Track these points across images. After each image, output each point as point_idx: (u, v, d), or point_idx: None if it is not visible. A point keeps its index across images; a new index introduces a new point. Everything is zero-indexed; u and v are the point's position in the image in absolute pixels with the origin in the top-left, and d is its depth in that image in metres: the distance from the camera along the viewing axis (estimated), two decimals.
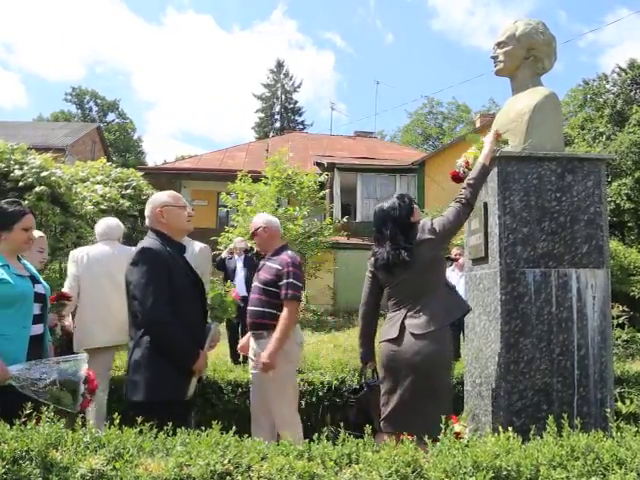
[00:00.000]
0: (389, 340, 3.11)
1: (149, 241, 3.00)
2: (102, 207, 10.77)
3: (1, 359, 2.74)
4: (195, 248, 4.31)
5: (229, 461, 1.95)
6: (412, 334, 3.02)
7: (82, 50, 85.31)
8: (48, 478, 1.85)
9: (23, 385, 2.67)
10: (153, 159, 65.25)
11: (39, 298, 3.04)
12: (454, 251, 7.99)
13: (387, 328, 3.19)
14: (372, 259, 3.29)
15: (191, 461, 1.92)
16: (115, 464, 1.93)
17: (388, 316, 3.25)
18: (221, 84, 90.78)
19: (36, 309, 3.02)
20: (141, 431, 2.20)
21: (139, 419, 2.19)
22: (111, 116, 51.33)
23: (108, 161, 13.64)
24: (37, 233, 3.60)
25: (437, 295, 3.10)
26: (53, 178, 9.19)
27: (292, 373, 3.80)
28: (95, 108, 50.97)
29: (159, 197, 3.14)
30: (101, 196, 11.01)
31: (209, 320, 3.22)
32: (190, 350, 2.93)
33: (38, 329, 3.02)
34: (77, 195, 10.21)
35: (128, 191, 12.00)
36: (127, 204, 11.49)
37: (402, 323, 3.08)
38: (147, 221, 3.12)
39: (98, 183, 11.50)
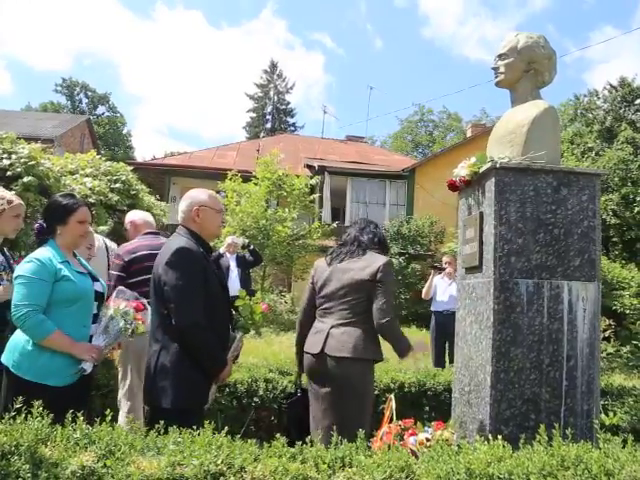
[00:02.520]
0: (312, 354, 3.28)
1: (183, 240, 2.88)
2: (90, 200, 10.65)
3: (88, 342, 2.84)
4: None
5: (222, 461, 1.94)
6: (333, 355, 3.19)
7: (69, 41, 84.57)
8: (37, 474, 1.83)
9: (111, 344, 2.91)
10: (141, 154, 64.75)
11: (97, 296, 2.98)
12: (444, 259, 8.01)
13: (314, 338, 3.32)
14: (315, 267, 3.48)
15: (184, 460, 1.91)
16: (106, 461, 1.92)
17: (316, 325, 3.38)
18: (209, 81, 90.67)
19: (94, 308, 2.96)
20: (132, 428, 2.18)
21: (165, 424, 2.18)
22: (101, 109, 50.97)
23: (97, 154, 13.51)
24: (16, 199, 3.43)
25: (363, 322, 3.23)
26: (42, 169, 9.06)
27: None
28: (85, 100, 50.54)
29: (198, 195, 3.03)
30: (90, 189, 10.89)
31: (235, 329, 3.16)
32: (220, 358, 2.87)
33: (93, 329, 2.94)
34: (66, 187, 10.08)
35: (117, 185, 11.86)
36: (116, 198, 11.37)
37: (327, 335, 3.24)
38: (180, 216, 3.02)
39: (87, 176, 11.35)
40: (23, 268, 2.76)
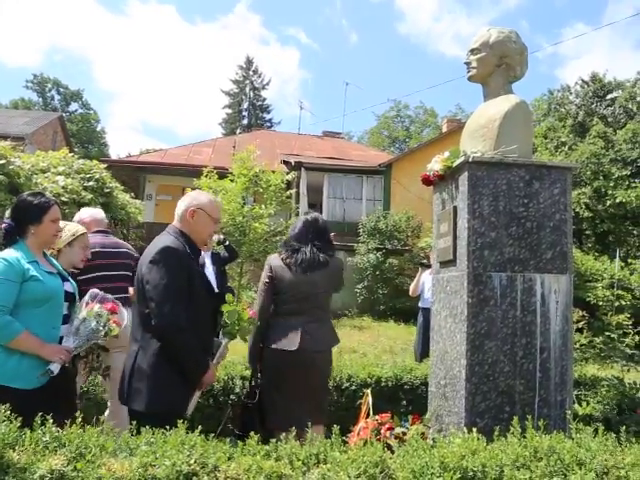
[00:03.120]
0: (289, 351, 3.34)
1: (170, 239, 2.81)
2: (63, 199, 10.46)
3: (57, 344, 2.78)
4: None
5: (195, 461, 1.91)
6: (313, 350, 3.39)
7: (40, 36, 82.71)
8: None
9: (82, 346, 2.86)
10: (115, 151, 63.93)
11: (68, 297, 2.91)
12: (432, 256, 8.00)
13: (286, 336, 3.39)
14: (270, 266, 3.53)
15: (156, 461, 1.88)
16: (76, 464, 1.88)
17: (282, 323, 3.44)
18: (184, 77, 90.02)
19: (64, 308, 2.89)
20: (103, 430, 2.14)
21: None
22: (74, 106, 50.08)
23: (70, 152, 13.26)
24: (81, 229, 3.45)
25: (328, 316, 3.65)
26: (12, 167, 8.88)
27: None
28: (57, 97, 49.61)
29: (198, 197, 2.99)
30: (62, 187, 10.69)
31: (220, 335, 3.10)
32: (202, 361, 2.79)
33: (64, 330, 2.87)
34: (37, 186, 9.88)
35: (91, 183, 11.68)
36: (89, 196, 11.19)
37: (302, 332, 3.38)
38: (175, 214, 2.96)
39: (59, 174, 11.14)
40: None
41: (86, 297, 3.00)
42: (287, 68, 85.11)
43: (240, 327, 3.13)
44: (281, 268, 3.49)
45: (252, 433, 2.13)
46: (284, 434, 2.11)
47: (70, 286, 2.97)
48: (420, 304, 7.66)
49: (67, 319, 2.89)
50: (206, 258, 7.83)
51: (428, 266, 7.59)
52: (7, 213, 2.93)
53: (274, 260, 3.56)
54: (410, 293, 7.90)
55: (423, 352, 7.43)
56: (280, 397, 3.37)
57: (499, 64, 3.51)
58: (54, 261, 3.03)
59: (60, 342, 2.83)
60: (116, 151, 73.95)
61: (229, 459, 1.98)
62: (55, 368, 2.72)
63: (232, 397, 4.30)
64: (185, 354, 2.71)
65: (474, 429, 2.32)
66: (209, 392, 4.26)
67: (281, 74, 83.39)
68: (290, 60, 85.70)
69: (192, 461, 1.91)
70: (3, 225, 2.89)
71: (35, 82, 48.45)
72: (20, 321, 2.65)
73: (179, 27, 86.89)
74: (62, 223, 3.35)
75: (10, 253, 2.74)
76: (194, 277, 2.80)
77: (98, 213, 4.32)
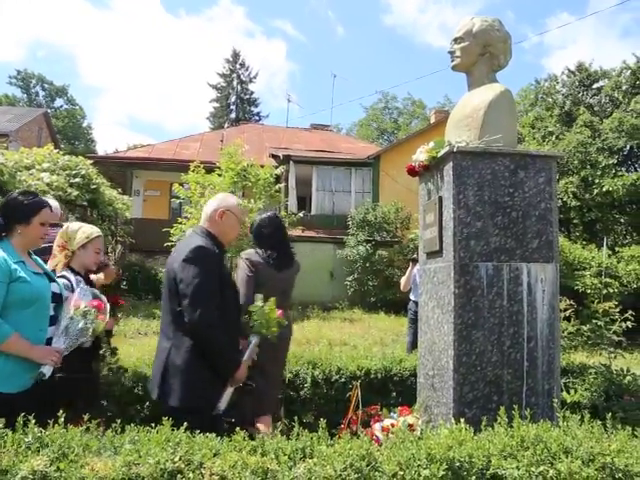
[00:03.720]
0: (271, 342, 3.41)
1: (202, 240, 2.86)
2: (49, 196, 10.36)
3: (46, 346, 2.74)
4: None
5: (180, 458, 1.89)
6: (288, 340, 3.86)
7: (22, 31, 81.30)
8: None
9: (72, 346, 2.82)
10: (102, 147, 63.33)
11: (54, 298, 2.85)
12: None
13: None
14: (250, 262, 3.66)
15: (140, 460, 1.86)
16: (59, 465, 1.85)
17: None
18: (171, 71, 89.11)
19: (51, 310, 2.82)
20: (88, 429, 2.12)
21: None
22: (59, 102, 49.57)
23: (56, 148, 13.12)
24: (96, 231, 3.39)
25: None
26: None
27: None
28: (42, 93, 49.05)
29: (229, 199, 3.07)
30: (48, 184, 10.58)
31: (250, 334, 3.13)
32: (233, 358, 2.84)
33: (51, 332, 2.81)
34: (22, 183, 9.78)
35: (76, 180, 11.57)
36: (75, 193, 11.10)
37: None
38: (203, 216, 3.02)
39: (44, 171, 11.03)
40: None
41: (75, 294, 2.96)
42: (274, 61, 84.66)
43: (268, 327, 3.15)
44: (261, 264, 3.63)
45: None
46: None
47: (57, 287, 2.91)
48: (412, 297, 7.66)
49: (54, 320, 2.83)
50: None
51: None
52: None
53: (254, 256, 3.68)
54: (401, 288, 7.89)
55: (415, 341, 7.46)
56: (265, 384, 3.44)
57: (483, 53, 3.49)
58: (40, 261, 2.96)
59: (48, 344, 2.77)
60: (103, 147, 73.22)
61: (215, 455, 1.96)
62: (47, 371, 2.68)
63: None
64: (217, 351, 2.76)
65: (462, 419, 2.32)
66: None
67: (268, 67, 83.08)
68: (277, 52, 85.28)
69: (177, 458, 1.89)
70: None
71: (19, 78, 47.81)
72: (7, 323, 2.59)
73: (164, 20, 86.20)
74: (76, 225, 3.37)
75: None
76: (223, 277, 2.86)
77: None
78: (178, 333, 2.76)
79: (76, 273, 3.22)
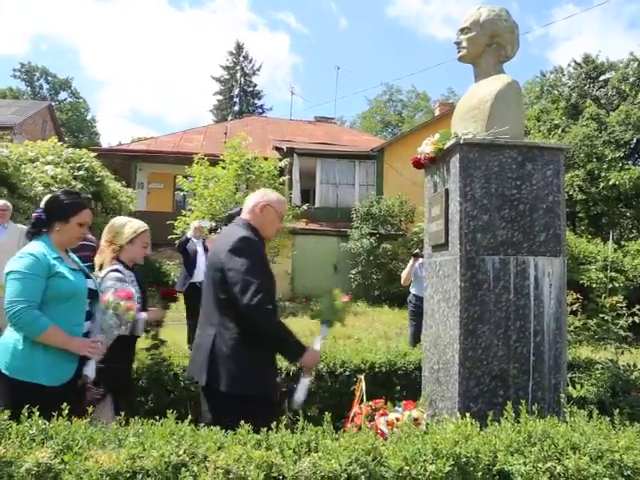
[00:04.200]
0: None
1: (246, 232, 2.90)
2: (53, 189, 10.36)
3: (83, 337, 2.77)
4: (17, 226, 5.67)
5: (184, 451, 1.88)
6: None
7: (25, 24, 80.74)
8: None
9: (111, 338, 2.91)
10: (106, 140, 63.20)
11: (90, 294, 2.88)
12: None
13: None
14: None
15: (144, 452, 1.85)
16: (63, 457, 1.85)
17: None
18: (174, 64, 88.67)
19: (87, 305, 2.86)
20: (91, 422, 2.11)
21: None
22: (63, 95, 49.47)
23: (60, 141, 13.11)
24: (143, 226, 3.45)
25: None
26: None
27: None
28: (46, 86, 48.96)
29: (270, 194, 3.12)
30: (52, 177, 10.58)
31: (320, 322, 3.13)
32: (297, 341, 2.82)
33: (87, 326, 2.85)
34: (26, 176, 9.78)
35: (81, 172, 11.57)
36: (79, 186, 11.10)
37: None
38: (244, 209, 3.05)
39: (48, 164, 11.03)
40: (17, 263, 2.65)
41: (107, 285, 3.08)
42: (277, 53, 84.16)
43: (334, 312, 3.14)
44: None
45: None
46: None
47: (92, 283, 2.95)
48: (415, 292, 7.63)
49: (89, 316, 2.88)
50: (198, 246, 7.79)
51: (422, 256, 7.47)
52: (42, 203, 2.95)
53: None
54: (402, 282, 7.85)
55: (414, 337, 7.45)
56: None
57: (490, 43, 3.44)
58: (75, 258, 3.00)
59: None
60: (107, 140, 72.99)
61: (219, 449, 1.95)
62: (91, 373, 2.73)
63: None
64: (276, 334, 2.78)
65: (468, 414, 2.30)
66: None
67: (271, 59, 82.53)
68: (280, 45, 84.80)
69: (181, 451, 1.88)
70: (34, 214, 2.89)
71: (23, 71, 47.76)
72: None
73: (167, 13, 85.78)
74: (124, 219, 3.47)
75: (36, 248, 2.71)
76: (268, 268, 2.91)
77: None
78: (224, 320, 2.78)
79: (125, 266, 3.33)
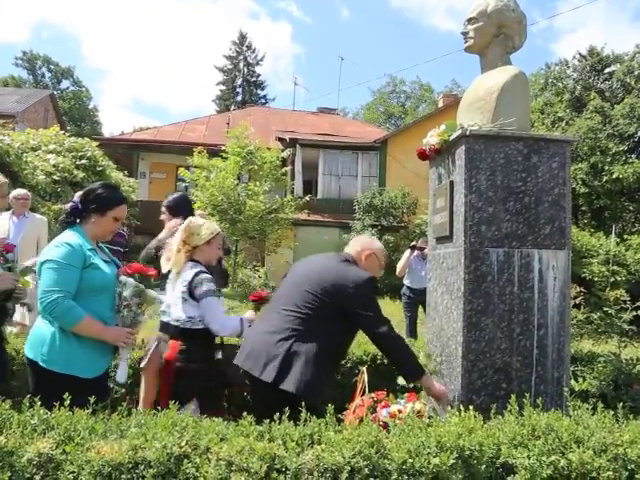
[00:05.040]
0: None
1: (363, 271, 3.11)
2: (55, 178, 10.36)
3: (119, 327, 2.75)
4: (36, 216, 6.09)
5: (186, 443, 1.87)
6: None
7: (26, 11, 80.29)
8: None
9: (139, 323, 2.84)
10: (109, 130, 63.09)
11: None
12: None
13: None
14: None
15: (146, 444, 1.84)
16: (65, 447, 1.84)
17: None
18: (177, 53, 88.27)
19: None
20: (94, 412, 2.10)
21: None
22: (65, 83, 49.29)
23: (62, 130, 13.06)
24: (217, 228, 3.46)
25: None
26: (0, 145, 8.75)
27: None
28: (48, 74, 48.75)
29: (376, 244, 3.35)
30: (54, 166, 10.57)
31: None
32: (419, 364, 3.10)
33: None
34: (28, 164, 9.77)
35: (83, 161, 11.55)
36: (81, 175, 11.10)
37: None
38: (354, 249, 3.27)
39: (50, 152, 11.01)
40: (53, 252, 2.62)
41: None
42: (279, 43, 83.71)
43: None
44: None
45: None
46: None
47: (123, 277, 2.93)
48: (408, 283, 7.60)
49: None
50: None
51: (420, 248, 7.41)
52: (77, 194, 2.96)
53: None
54: (397, 273, 7.78)
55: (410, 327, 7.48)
56: None
57: (497, 34, 3.40)
58: (107, 250, 2.98)
59: None
60: (109, 129, 72.93)
61: (221, 440, 1.94)
62: (122, 379, 2.75)
63: None
64: (405, 357, 3.05)
65: (471, 406, 2.28)
66: None
67: (274, 49, 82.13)
68: (282, 34, 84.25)
69: (183, 443, 1.87)
70: (70, 204, 2.86)
71: (25, 59, 47.54)
72: None
73: (169, 1, 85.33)
74: (200, 220, 3.46)
75: (72, 238, 2.68)
76: None
77: None
78: (311, 328, 2.90)
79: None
